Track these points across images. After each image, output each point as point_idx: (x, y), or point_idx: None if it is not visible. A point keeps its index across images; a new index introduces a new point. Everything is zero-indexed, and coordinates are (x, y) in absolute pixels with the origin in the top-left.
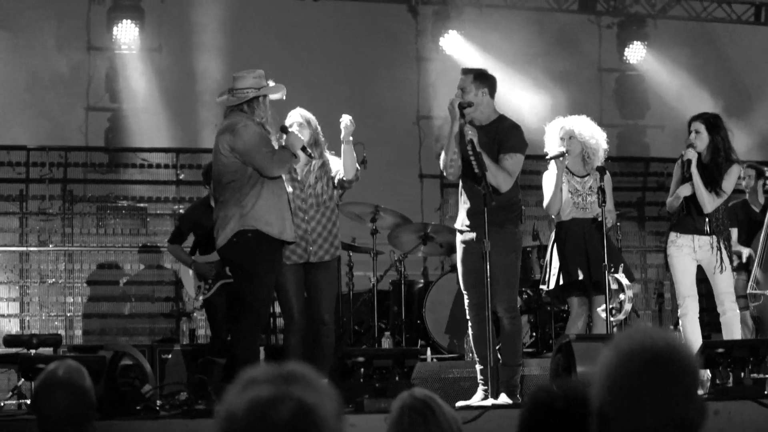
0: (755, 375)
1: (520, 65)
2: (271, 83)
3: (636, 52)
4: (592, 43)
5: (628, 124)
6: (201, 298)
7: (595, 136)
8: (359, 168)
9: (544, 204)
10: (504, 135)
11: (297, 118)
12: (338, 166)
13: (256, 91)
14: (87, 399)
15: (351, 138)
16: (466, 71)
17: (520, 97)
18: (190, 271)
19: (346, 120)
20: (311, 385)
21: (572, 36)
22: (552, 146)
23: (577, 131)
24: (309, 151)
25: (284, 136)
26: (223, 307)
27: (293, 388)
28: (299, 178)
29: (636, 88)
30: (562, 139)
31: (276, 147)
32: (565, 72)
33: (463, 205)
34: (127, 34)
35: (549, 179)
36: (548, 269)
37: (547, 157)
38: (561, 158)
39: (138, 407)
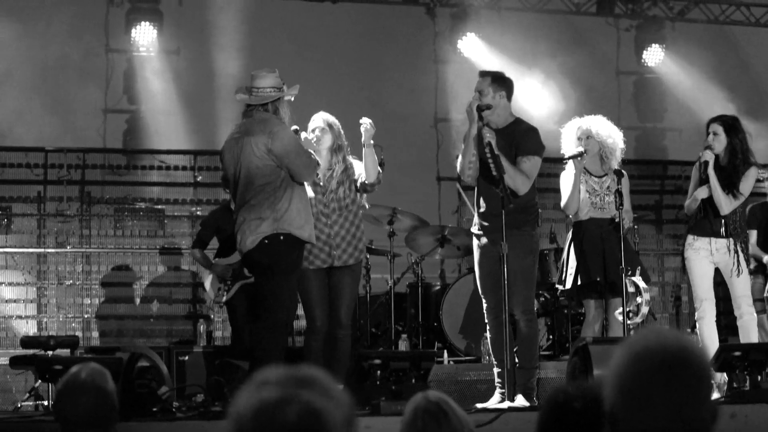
0: None
1: (537, 68)
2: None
3: (654, 55)
4: (610, 46)
5: (646, 127)
6: (223, 299)
7: (612, 135)
8: (380, 171)
9: (562, 203)
10: (521, 138)
11: (319, 122)
12: (360, 170)
13: (278, 92)
14: (110, 402)
15: (372, 141)
16: (484, 74)
17: (537, 100)
18: (211, 274)
19: (366, 123)
20: (322, 389)
21: (590, 39)
22: (569, 147)
23: (594, 131)
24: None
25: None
26: (243, 308)
27: (302, 392)
28: (321, 182)
29: (654, 91)
30: (579, 139)
31: None
32: (583, 75)
33: (480, 207)
34: (145, 36)
35: (567, 179)
36: (565, 268)
37: (565, 156)
38: (579, 158)
39: (154, 409)
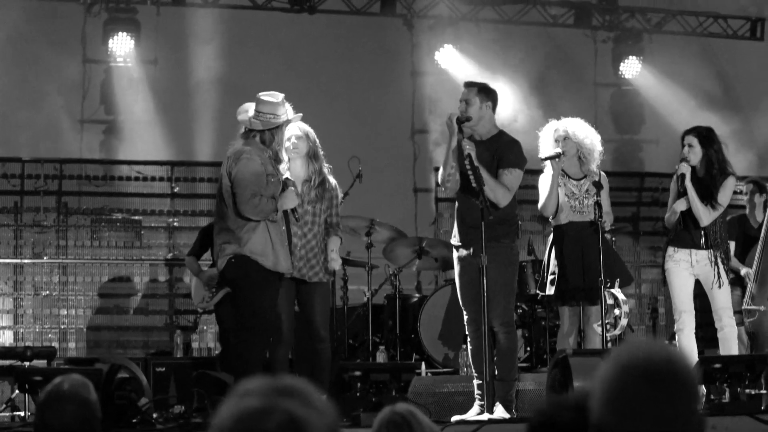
0: (751, 391)
1: (515, 80)
2: (289, 108)
3: (631, 67)
4: (587, 58)
5: (623, 138)
6: (206, 304)
7: (589, 136)
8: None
9: (539, 205)
10: (503, 150)
11: (295, 131)
12: (337, 193)
13: (278, 118)
14: (93, 412)
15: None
16: (470, 84)
17: (515, 111)
18: (198, 281)
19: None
20: (304, 399)
21: (568, 50)
22: (547, 149)
23: (571, 132)
24: (297, 215)
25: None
26: (230, 319)
27: (284, 401)
28: (299, 192)
29: (631, 102)
30: (556, 141)
31: (284, 177)
32: (560, 86)
33: (460, 219)
34: (122, 46)
35: (545, 181)
36: (546, 274)
37: (543, 157)
38: (557, 159)
39: (134, 420)
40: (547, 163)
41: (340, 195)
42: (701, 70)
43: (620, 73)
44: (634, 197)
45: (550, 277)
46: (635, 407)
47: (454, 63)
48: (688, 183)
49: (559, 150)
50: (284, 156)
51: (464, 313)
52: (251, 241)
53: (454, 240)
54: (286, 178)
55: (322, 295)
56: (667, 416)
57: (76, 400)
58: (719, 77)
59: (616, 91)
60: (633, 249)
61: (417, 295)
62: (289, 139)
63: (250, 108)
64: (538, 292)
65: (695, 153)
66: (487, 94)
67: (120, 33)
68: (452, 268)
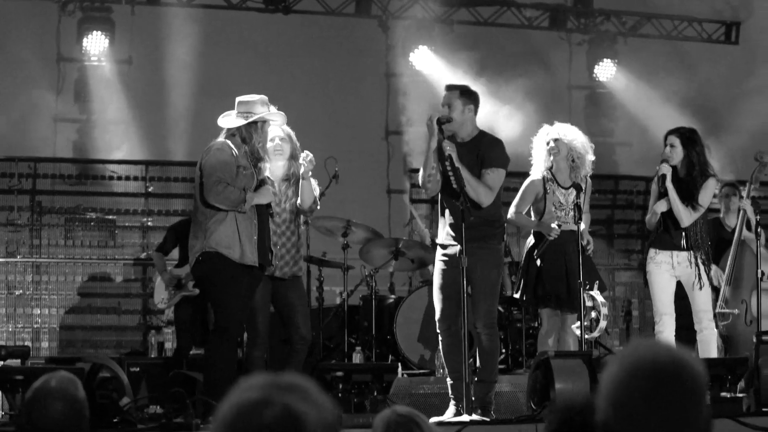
0: (732, 394)
1: (489, 81)
2: (273, 109)
3: (606, 70)
4: (562, 60)
5: (597, 141)
6: (162, 305)
7: (581, 141)
8: (318, 200)
9: (510, 211)
10: (486, 150)
11: (279, 132)
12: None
13: (253, 115)
14: (81, 411)
15: (310, 173)
16: (452, 87)
17: (489, 114)
18: (161, 280)
19: (309, 156)
20: (304, 394)
21: (542, 53)
22: (539, 155)
23: (563, 134)
24: (271, 211)
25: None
26: (187, 321)
27: (283, 395)
28: (276, 191)
29: (605, 105)
30: (548, 144)
31: (264, 175)
32: (534, 88)
33: (446, 219)
34: (97, 45)
35: (527, 185)
36: (524, 276)
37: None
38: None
39: (115, 420)
40: (535, 168)
41: (317, 190)
42: (676, 73)
43: (594, 75)
44: (608, 200)
45: (528, 281)
46: (641, 411)
47: (429, 64)
48: (668, 184)
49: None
50: (265, 156)
51: (437, 310)
52: (217, 232)
53: (441, 238)
54: (265, 177)
55: (300, 291)
56: (674, 418)
57: (65, 397)
58: (693, 81)
59: (590, 94)
60: (607, 252)
61: (392, 296)
62: (272, 140)
63: (232, 113)
64: (515, 295)
65: (677, 153)
66: (469, 96)
67: (94, 32)
68: (426, 267)
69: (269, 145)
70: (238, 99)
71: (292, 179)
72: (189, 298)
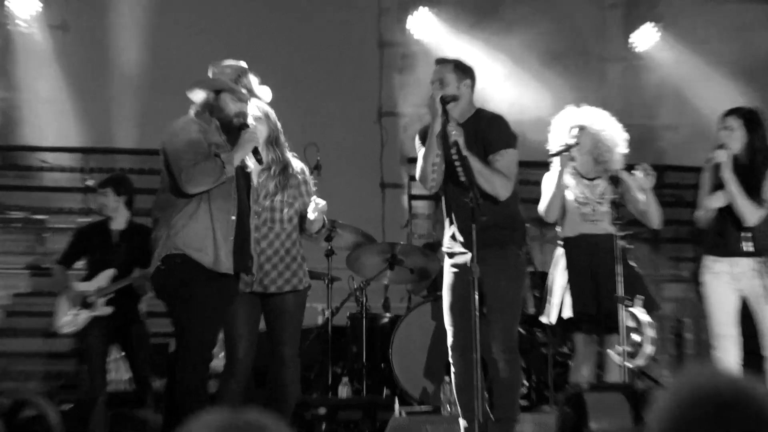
0: None
1: (503, 50)
2: (254, 78)
3: (646, 37)
4: (592, 27)
5: (636, 125)
6: (63, 329)
7: (608, 128)
8: (326, 222)
9: (540, 207)
10: (487, 130)
11: (254, 110)
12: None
13: (219, 82)
14: None
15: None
16: (443, 61)
17: (503, 91)
18: (66, 299)
19: (321, 204)
20: None
21: (567, 15)
22: (557, 142)
23: (589, 122)
24: (260, 156)
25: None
26: (99, 348)
27: None
28: (254, 184)
29: (646, 81)
30: (570, 130)
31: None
32: (557, 59)
33: (452, 221)
34: (24, 6)
35: (550, 179)
36: (549, 296)
37: (550, 153)
38: (566, 152)
39: None
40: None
41: (311, 179)
42: (732, 40)
43: (632, 45)
44: None
45: (555, 300)
46: None
47: (431, 31)
48: (727, 174)
49: (570, 142)
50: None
51: (449, 334)
52: (187, 229)
53: (446, 246)
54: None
55: (295, 308)
56: None
57: None
58: (753, 48)
59: (627, 67)
60: (651, 260)
61: (387, 315)
62: None
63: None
64: (538, 315)
65: (737, 138)
66: (464, 71)
67: None
68: (428, 279)
69: None
70: (210, 66)
71: (273, 169)
72: (100, 319)
